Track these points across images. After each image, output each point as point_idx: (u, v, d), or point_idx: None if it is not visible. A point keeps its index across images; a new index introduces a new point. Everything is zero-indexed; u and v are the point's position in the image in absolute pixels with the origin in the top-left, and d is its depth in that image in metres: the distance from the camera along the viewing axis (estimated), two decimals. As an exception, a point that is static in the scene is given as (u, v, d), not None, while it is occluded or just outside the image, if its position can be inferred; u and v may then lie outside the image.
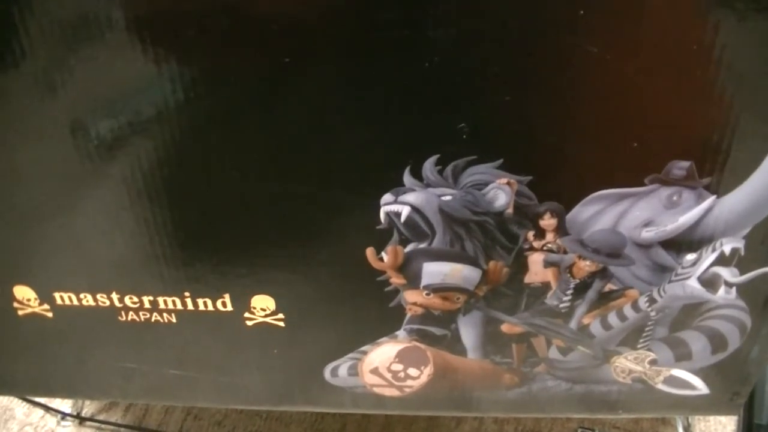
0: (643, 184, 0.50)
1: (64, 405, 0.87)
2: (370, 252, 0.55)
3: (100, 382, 0.67)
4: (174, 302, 0.59)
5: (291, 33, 0.45)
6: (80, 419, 0.86)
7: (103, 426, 0.86)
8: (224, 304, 0.59)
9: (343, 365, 0.62)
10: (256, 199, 0.53)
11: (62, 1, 0.45)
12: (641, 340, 0.59)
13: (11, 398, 0.88)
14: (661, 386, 0.62)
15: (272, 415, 0.85)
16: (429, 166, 0.50)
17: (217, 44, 0.46)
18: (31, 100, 0.49)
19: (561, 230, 0.53)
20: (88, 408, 0.87)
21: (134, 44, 0.46)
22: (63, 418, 0.86)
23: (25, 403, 0.88)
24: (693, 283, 0.55)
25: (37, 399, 0.87)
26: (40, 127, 0.50)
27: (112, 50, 0.46)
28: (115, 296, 0.59)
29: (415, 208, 0.52)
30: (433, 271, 0.56)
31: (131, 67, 0.47)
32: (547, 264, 0.55)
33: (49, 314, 0.61)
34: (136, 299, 0.59)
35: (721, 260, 0.54)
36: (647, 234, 0.53)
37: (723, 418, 0.81)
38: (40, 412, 0.87)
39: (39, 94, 0.48)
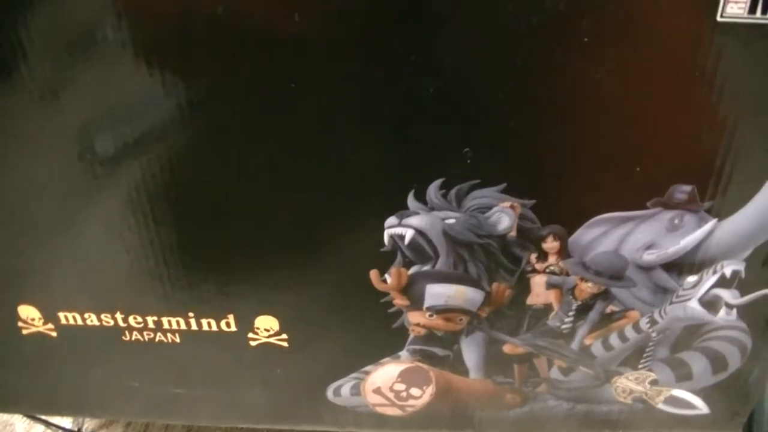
0: (645, 208, 0.51)
1: (65, 421, 0.86)
2: (373, 274, 0.55)
3: (103, 400, 0.67)
4: (178, 322, 0.59)
5: (298, 58, 0.45)
6: (81, 435, 0.86)
7: (103, 442, 0.86)
8: (228, 325, 0.59)
9: (346, 385, 0.63)
10: (261, 221, 0.53)
11: (69, 21, 0.45)
12: (642, 361, 0.60)
13: (12, 414, 0.88)
14: (661, 406, 0.62)
15: (273, 432, 0.85)
16: (433, 190, 0.50)
17: (223, 67, 0.47)
18: (37, 120, 0.49)
19: (564, 253, 0.53)
20: (89, 424, 0.87)
21: (141, 64, 0.46)
22: (63, 434, 0.86)
23: (25, 418, 0.88)
24: (694, 305, 0.55)
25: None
26: (45, 148, 0.50)
27: (119, 70, 0.46)
28: (119, 316, 0.59)
29: (419, 231, 0.52)
30: (437, 293, 0.56)
31: (138, 87, 0.47)
32: (550, 286, 0.55)
33: (54, 333, 0.61)
34: (140, 319, 0.59)
35: (722, 282, 0.54)
36: (649, 257, 0.53)
37: (722, 436, 0.81)
38: (40, 427, 0.87)
39: (45, 115, 0.49)
